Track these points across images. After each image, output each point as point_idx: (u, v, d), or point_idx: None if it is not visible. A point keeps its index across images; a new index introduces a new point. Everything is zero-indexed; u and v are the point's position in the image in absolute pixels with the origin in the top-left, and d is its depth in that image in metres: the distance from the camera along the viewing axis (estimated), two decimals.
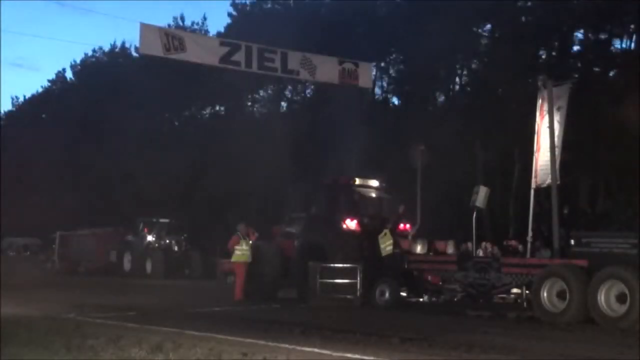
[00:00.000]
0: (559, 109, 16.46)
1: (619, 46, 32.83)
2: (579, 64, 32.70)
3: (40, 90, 63.34)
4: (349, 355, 9.41)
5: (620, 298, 12.97)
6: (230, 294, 18.96)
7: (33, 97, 63.47)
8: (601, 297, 13.13)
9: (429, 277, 17.19)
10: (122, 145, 46.61)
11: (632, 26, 30.96)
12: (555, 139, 16.22)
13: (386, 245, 17.27)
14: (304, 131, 36.03)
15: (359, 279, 17.18)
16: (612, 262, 13.35)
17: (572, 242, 14.58)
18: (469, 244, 18.88)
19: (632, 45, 31.88)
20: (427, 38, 31.53)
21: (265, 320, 13.51)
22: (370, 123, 35.71)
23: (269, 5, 45.15)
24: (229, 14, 45.73)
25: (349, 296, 17.16)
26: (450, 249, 17.57)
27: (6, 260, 32.66)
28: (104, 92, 48.56)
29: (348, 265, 17.51)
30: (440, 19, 31.19)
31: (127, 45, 54.68)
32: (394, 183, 21.05)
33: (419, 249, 17.31)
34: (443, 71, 37.76)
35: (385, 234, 17.42)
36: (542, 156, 16.62)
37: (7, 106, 75.94)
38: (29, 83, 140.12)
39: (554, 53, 33.93)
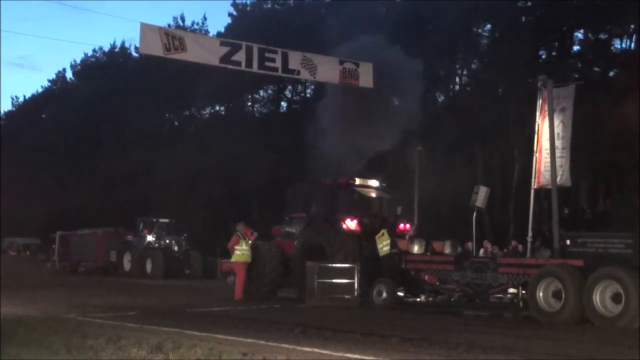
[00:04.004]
0: (563, 110, 16.46)
1: (619, 46, 32.93)
2: (579, 64, 32.71)
3: (40, 90, 63.58)
4: (349, 355, 9.40)
5: (615, 298, 12.96)
6: (230, 294, 18.98)
7: (33, 97, 63.60)
8: (596, 297, 13.13)
9: (426, 277, 17.19)
10: (122, 145, 46.65)
11: (632, 26, 30.98)
12: (562, 140, 16.23)
13: (383, 245, 17.28)
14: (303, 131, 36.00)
15: (356, 278, 17.22)
16: (607, 262, 13.35)
17: (568, 242, 14.59)
18: (469, 244, 18.88)
19: (632, 45, 31.92)
20: (427, 38, 31.53)
21: (265, 320, 13.50)
22: None
23: (269, 5, 45.20)
24: (229, 14, 45.89)
25: (346, 296, 17.18)
26: (447, 249, 17.57)
27: (6, 260, 32.62)
28: (104, 92, 48.59)
29: (346, 265, 17.54)
30: (440, 19, 31.18)
31: (127, 45, 54.89)
32: (394, 183, 21.05)
33: (415, 249, 17.30)
34: (443, 71, 37.75)
35: (383, 234, 17.42)
36: (545, 157, 16.61)
37: (7, 106, 76.06)
38: (29, 83, 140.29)
39: (554, 53, 33.96)
